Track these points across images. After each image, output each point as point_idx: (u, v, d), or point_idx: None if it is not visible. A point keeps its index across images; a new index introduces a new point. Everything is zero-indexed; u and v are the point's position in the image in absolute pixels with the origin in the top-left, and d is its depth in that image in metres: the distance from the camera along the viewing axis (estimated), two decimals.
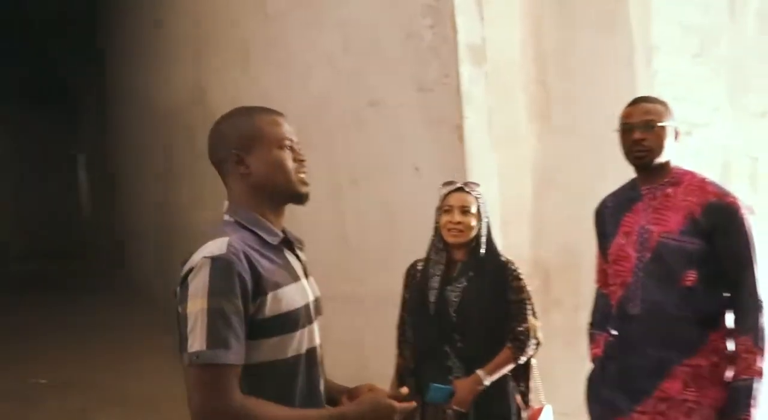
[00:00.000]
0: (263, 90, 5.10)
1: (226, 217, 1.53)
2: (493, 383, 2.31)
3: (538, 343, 2.39)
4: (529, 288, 2.41)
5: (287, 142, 1.54)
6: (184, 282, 1.40)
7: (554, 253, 3.36)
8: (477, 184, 2.45)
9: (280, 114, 1.59)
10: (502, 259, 2.43)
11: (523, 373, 2.43)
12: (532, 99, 3.48)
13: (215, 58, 6.17)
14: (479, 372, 2.30)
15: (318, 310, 1.61)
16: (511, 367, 2.35)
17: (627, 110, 2.16)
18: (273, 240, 1.50)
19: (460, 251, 2.39)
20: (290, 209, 1.59)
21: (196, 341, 1.33)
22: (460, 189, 2.39)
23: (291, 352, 1.47)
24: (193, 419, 1.34)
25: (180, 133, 7.64)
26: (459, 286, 2.35)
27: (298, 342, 1.48)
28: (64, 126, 21.63)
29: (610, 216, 2.23)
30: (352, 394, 1.59)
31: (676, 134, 2.14)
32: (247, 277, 1.38)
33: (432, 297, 2.37)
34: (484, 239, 2.38)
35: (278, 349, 1.44)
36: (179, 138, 7.65)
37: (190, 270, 1.39)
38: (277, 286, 1.44)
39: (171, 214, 8.68)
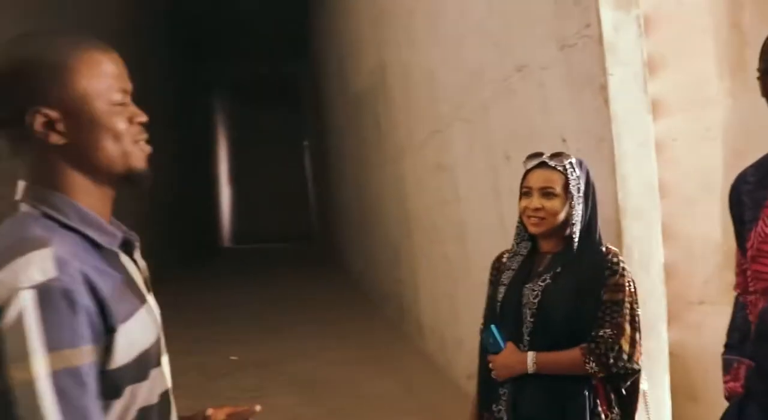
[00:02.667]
0: (427, 66, 4.89)
1: (24, 207, 1.01)
2: (568, 399, 1.83)
3: (630, 361, 1.80)
4: (629, 287, 1.85)
5: (118, 96, 1.04)
6: None
7: None
8: (566, 156, 1.91)
9: (107, 49, 1.06)
10: (602, 248, 1.91)
11: (621, 401, 1.87)
12: (723, 48, 2.83)
13: (392, 38, 6.08)
14: (532, 353, 1.84)
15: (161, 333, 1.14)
16: (571, 369, 1.83)
17: None
18: (110, 243, 1.03)
19: (549, 242, 1.93)
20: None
21: None
22: (542, 164, 1.91)
23: (141, 404, 1.02)
24: None
25: (368, 115, 7.72)
26: (541, 283, 1.89)
27: (148, 390, 1.04)
28: (293, 116, 23.32)
29: (749, 195, 1.56)
30: None
31: None
32: (92, 308, 0.92)
33: (500, 295, 1.95)
34: (578, 226, 1.87)
35: (123, 410, 1.00)
36: (368, 120, 7.73)
37: None
38: (127, 315, 0.98)
39: (364, 199, 8.84)
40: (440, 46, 4.51)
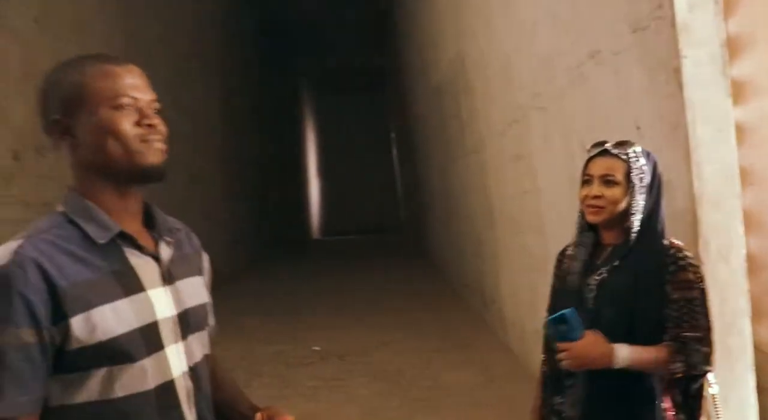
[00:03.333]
0: (504, 55, 4.80)
1: (59, 207, 1.18)
2: (636, 395, 1.73)
3: (708, 362, 1.69)
4: (701, 284, 1.73)
5: (125, 100, 1.14)
6: None
7: None
8: (631, 144, 1.82)
9: (121, 63, 1.19)
10: (664, 242, 1.78)
11: (688, 402, 1.75)
12: None
13: (470, 27, 6.01)
14: (618, 346, 1.68)
15: (190, 327, 1.22)
16: (653, 368, 1.70)
17: None
18: (102, 236, 1.13)
19: (610, 232, 1.84)
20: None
21: None
22: (605, 152, 1.83)
23: (123, 391, 1.10)
24: None
25: (450, 106, 7.67)
26: (597, 277, 1.80)
27: (137, 377, 1.11)
28: (381, 108, 23.48)
29: None
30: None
31: None
32: (37, 296, 1.03)
33: (574, 284, 1.85)
34: (637, 217, 1.77)
35: (103, 387, 1.08)
36: (450, 110, 7.68)
37: None
38: (92, 304, 1.07)
39: (449, 190, 8.80)
40: (515, 34, 4.42)
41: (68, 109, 1.14)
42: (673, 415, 1.73)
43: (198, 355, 1.25)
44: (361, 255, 16.25)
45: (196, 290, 1.28)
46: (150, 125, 1.16)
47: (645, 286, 1.73)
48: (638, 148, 1.82)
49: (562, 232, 3.80)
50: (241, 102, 13.94)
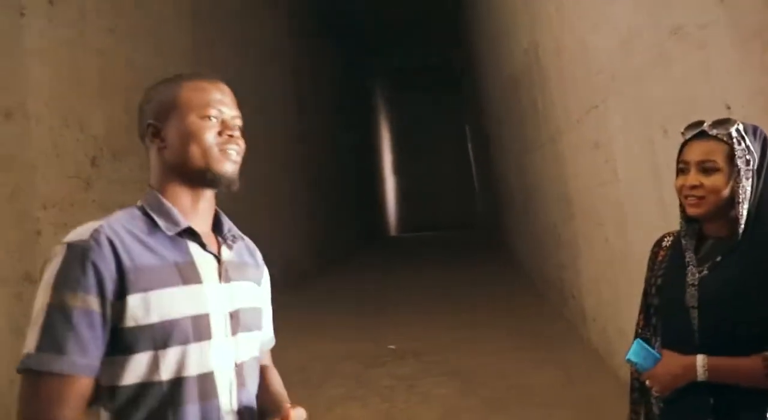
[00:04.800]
0: (579, 38, 4.58)
1: (138, 202, 1.30)
2: (742, 415, 1.51)
3: None
4: None
5: (212, 111, 1.27)
6: (42, 270, 1.18)
7: None
8: (732, 122, 1.58)
9: (213, 80, 1.33)
10: None
11: None
12: None
13: (543, 12, 5.79)
14: (702, 357, 1.53)
15: (239, 326, 1.28)
16: (748, 380, 1.50)
17: None
18: (170, 229, 1.24)
19: (714, 224, 1.63)
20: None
21: (29, 342, 1.10)
22: (702, 134, 1.60)
23: (166, 375, 1.16)
24: None
25: (524, 96, 7.45)
26: (697, 275, 1.60)
27: (180, 362, 1.17)
28: (455, 103, 23.30)
29: None
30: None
31: None
32: (107, 270, 1.13)
33: (654, 288, 1.67)
34: (745, 206, 1.54)
35: (148, 370, 1.15)
36: (525, 100, 7.46)
37: (48, 258, 1.18)
38: (150, 287, 1.15)
39: (526, 182, 8.57)
40: (591, 13, 4.19)
41: (161, 115, 1.29)
42: None
43: (245, 354, 1.29)
44: (437, 251, 16.12)
45: (250, 294, 1.35)
46: (231, 136, 1.28)
47: (752, 286, 1.52)
48: (741, 126, 1.59)
49: (643, 224, 3.58)
50: (318, 102, 14.06)
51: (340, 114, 16.43)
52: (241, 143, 1.31)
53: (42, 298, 1.12)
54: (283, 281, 10.23)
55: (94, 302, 1.12)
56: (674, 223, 1.80)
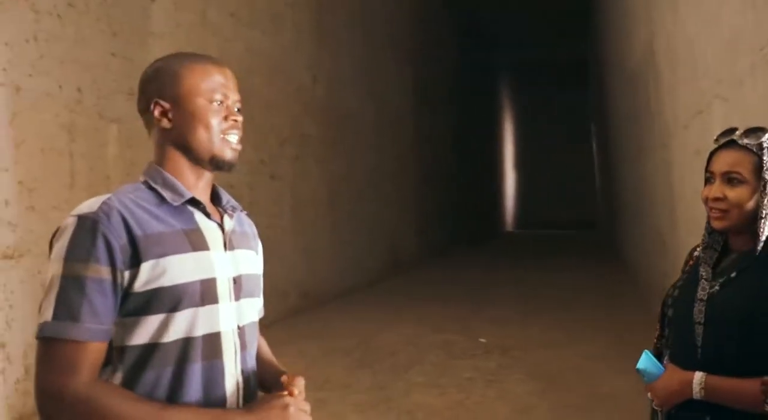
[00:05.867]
0: (688, 38, 4.37)
1: (141, 177, 1.35)
2: None
3: None
4: None
5: (218, 96, 1.32)
6: (51, 242, 1.24)
7: None
8: (765, 131, 1.49)
9: (219, 64, 1.36)
10: None
11: None
12: None
13: (660, 6, 5.55)
14: (700, 374, 1.49)
15: (243, 291, 1.34)
16: (744, 404, 1.43)
17: None
18: (175, 200, 1.29)
19: (739, 238, 1.56)
20: None
21: (45, 311, 1.16)
22: (731, 143, 1.52)
23: (174, 335, 1.22)
24: (35, 400, 1.16)
25: (640, 95, 7.17)
26: (709, 290, 1.55)
27: (188, 323, 1.23)
28: (581, 100, 22.63)
29: None
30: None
31: None
32: (117, 240, 1.18)
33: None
34: (766, 221, 1.48)
35: (158, 331, 1.21)
36: (640, 99, 7.18)
37: (57, 229, 1.23)
38: (162, 253, 1.21)
39: (638, 186, 8.25)
40: (701, 13, 3.99)
41: (167, 94, 1.32)
42: None
43: (248, 318, 1.36)
44: (551, 250, 15.79)
45: (252, 261, 1.41)
46: (235, 121, 1.34)
47: (762, 306, 1.46)
48: None
49: None
50: (437, 93, 14.11)
51: (461, 107, 16.39)
52: (241, 126, 1.37)
53: (55, 269, 1.18)
54: (390, 269, 10.44)
55: (104, 271, 1.17)
56: None
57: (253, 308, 1.40)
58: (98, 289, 1.16)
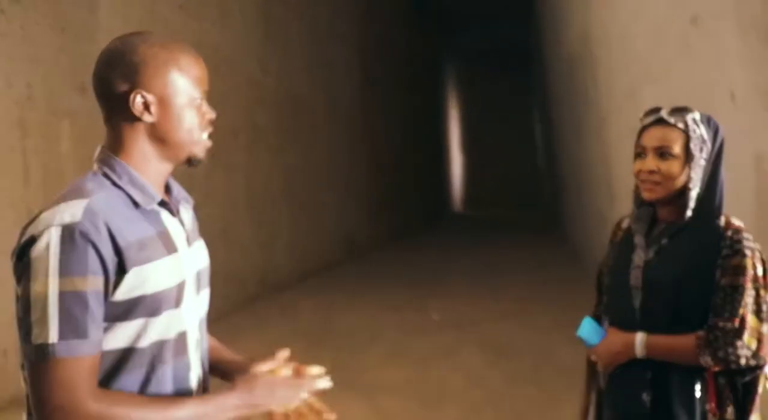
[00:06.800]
0: (621, 26, 4.64)
1: (95, 167, 1.25)
2: (675, 391, 1.62)
3: (754, 357, 1.55)
4: (754, 271, 1.56)
5: (200, 94, 1.28)
6: (23, 252, 1.14)
7: None
8: (689, 110, 1.64)
9: (197, 55, 1.30)
10: (719, 223, 1.63)
11: (733, 400, 1.62)
12: None
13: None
14: (641, 334, 1.64)
15: (201, 284, 1.34)
16: (682, 358, 1.60)
17: None
18: (148, 203, 1.23)
19: (666, 209, 1.70)
20: None
21: (46, 331, 1.09)
22: (660, 121, 1.66)
23: (150, 339, 1.21)
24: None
25: (578, 81, 7.47)
26: (644, 258, 1.70)
27: (164, 326, 1.23)
28: (523, 85, 23.07)
29: None
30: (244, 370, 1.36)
31: None
32: (106, 251, 1.13)
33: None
34: (694, 193, 1.63)
35: (136, 335, 1.20)
36: (578, 85, 7.48)
37: (32, 238, 1.13)
38: (143, 261, 1.18)
39: (579, 166, 8.57)
40: (631, 1, 4.26)
41: (156, 89, 1.23)
42: (716, 407, 1.61)
43: (204, 310, 1.38)
44: (499, 229, 16.18)
45: (204, 251, 1.41)
46: (211, 119, 1.31)
47: (693, 270, 1.61)
48: (697, 115, 1.66)
49: None
50: (385, 77, 14.24)
51: (407, 90, 16.57)
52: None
53: (43, 284, 1.10)
54: (346, 254, 10.59)
55: (100, 282, 1.13)
56: None
57: (207, 298, 1.40)
58: (97, 300, 1.14)
